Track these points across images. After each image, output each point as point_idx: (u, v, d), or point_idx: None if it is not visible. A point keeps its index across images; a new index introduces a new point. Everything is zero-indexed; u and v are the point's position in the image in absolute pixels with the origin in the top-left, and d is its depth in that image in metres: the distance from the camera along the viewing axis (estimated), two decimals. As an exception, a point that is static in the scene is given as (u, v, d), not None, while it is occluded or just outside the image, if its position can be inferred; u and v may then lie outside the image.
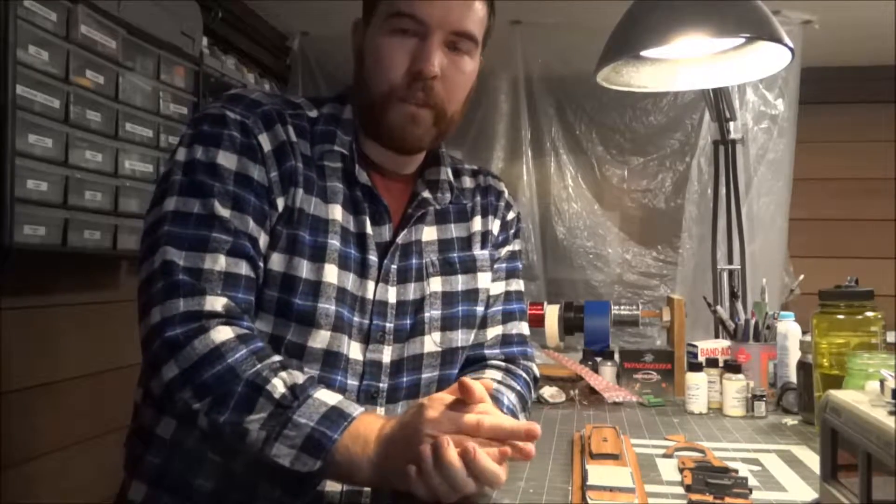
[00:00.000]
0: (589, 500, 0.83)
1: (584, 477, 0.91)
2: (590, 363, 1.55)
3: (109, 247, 1.79)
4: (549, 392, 1.49)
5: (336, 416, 0.82)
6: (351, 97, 1.04)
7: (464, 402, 0.82)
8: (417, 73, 0.94)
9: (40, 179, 1.57)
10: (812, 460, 1.04)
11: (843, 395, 0.79)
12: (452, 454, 0.75)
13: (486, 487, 0.79)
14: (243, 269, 0.90)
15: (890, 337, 1.38)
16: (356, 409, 0.84)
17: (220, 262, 0.88)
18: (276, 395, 0.82)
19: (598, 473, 0.92)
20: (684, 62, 1.44)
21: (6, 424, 1.60)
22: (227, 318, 0.86)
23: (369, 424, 0.83)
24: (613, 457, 0.99)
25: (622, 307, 1.76)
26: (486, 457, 0.76)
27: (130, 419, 1.01)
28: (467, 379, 0.82)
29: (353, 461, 0.80)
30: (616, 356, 1.56)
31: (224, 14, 2.47)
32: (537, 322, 1.72)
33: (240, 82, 2.47)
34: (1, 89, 1.46)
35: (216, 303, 0.86)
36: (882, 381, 0.78)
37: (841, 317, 1.20)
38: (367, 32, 0.99)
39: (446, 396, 0.83)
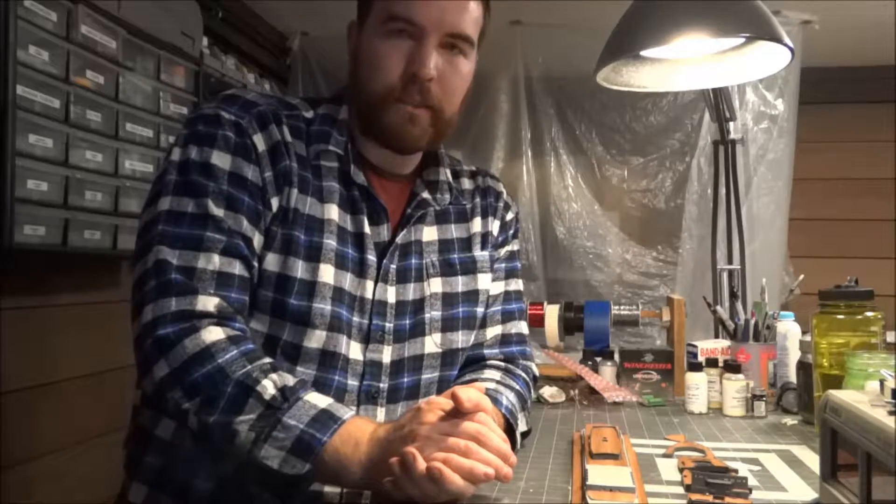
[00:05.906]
0: (589, 500, 0.83)
1: (584, 477, 0.91)
2: (590, 363, 1.55)
3: (109, 247, 1.79)
4: (549, 392, 1.49)
5: (326, 419, 0.82)
6: (347, 98, 1.03)
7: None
8: (413, 76, 0.94)
9: (40, 179, 1.57)
10: (812, 460, 1.04)
11: (843, 395, 0.79)
12: (421, 467, 0.75)
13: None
14: (237, 268, 0.90)
15: (890, 337, 1.38)
16: (346, 413, 0.83)
17: (214, 262, 0.88)
18: (266, 397, 0.82)
19: (598, 473, 0.92)
20: (684, 62, 1.44)
21: (6, 424, 1.60)
22: (219, 318, 0.86)
23: (361, 427, 0.83)
24: (613, 457, 0.99)
25: (622, 307, 1.75)
26: (452, 476, 0.75)
27: (129, 421, 1.01)
28: (458, 389, 0.82)
29: (342, 463, 0.80)
30: (616, 356, 1.56)
31: (224, 14, 2.47)
32: (537, 322, 1.72)
33: (240, 82, 2.47)
34: (1, 89, 1.46)
35: (208, 303, 0.86)
36: (882, 381, 0.78)
37: (841, 317, 1.20)
38: (361, 34, 0.99)
39: (444, 402, 0.83)
